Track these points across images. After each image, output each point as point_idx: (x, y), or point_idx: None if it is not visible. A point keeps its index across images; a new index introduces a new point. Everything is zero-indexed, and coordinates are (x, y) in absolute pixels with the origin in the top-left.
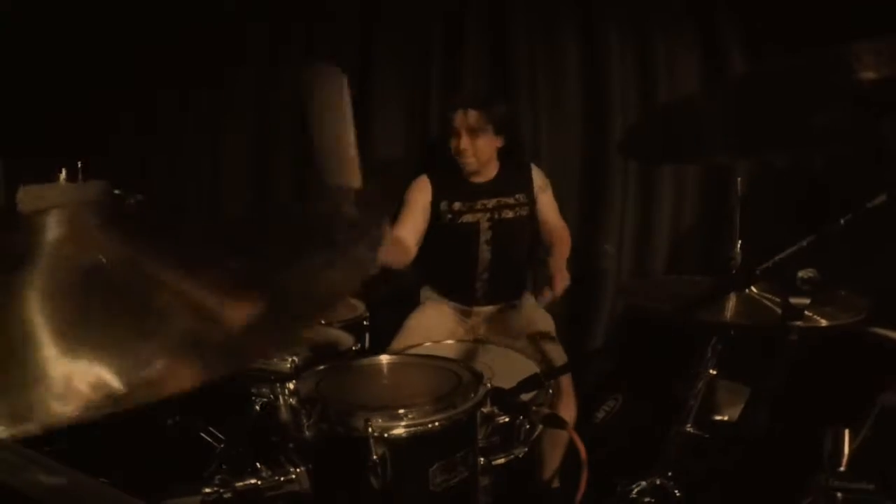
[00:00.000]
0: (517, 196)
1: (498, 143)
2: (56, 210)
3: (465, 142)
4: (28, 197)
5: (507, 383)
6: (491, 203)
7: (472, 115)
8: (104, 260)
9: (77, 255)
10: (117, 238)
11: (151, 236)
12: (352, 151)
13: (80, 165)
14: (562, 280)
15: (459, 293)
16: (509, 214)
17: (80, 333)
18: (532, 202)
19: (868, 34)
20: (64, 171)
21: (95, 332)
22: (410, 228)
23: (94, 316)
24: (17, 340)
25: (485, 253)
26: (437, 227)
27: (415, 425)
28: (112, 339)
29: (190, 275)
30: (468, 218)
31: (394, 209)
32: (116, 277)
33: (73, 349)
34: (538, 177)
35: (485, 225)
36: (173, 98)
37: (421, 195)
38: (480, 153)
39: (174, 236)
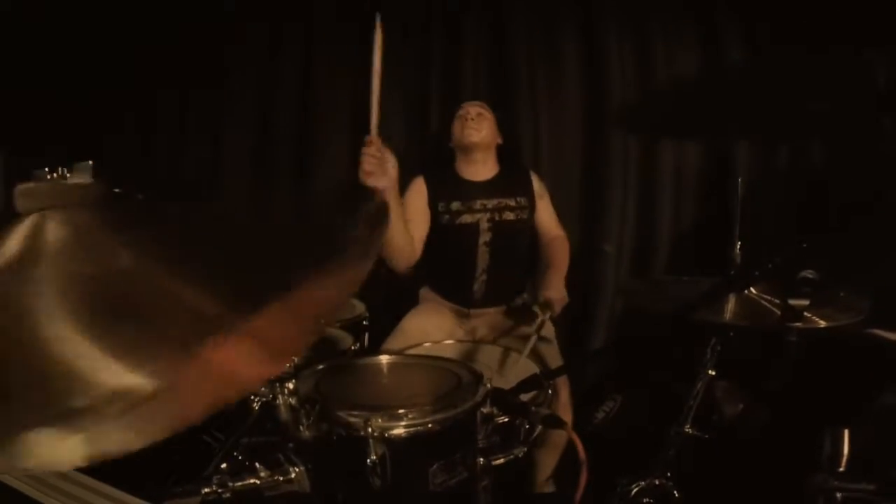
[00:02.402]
0: (518, 199)
1: (498, 138)
2: (55, 211)
3: (473, 112)
4: (25, 196)
5: (507, 383)
6: (491, 203)
7: (477, 103)
8: (121, 264)
9: (85, 259)
10: (120, 240)
11: (153, 237)
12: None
13: (91, 164)
14: (560, 301)
15: (458, 294)
16: (510, 216)
17: (111, 339)
18: (532, 206)
19: (868, 33)
20: (62, 170)
21: (123, 336)
22: (412, 230)
23: (117, 321)
24: (48, 353)
25: (483, 254)
26: (435, 228)
27: (415, 425)
28: (135, 343)
29: (194, 280)
30: (467, 218)
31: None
32: (126, 282)
33: (108, 354)
34: (537, 183)
35: (485, 226)
36: (173, 98)
37: (417, 197)
38: (485, 131)
39: (175, 236)
